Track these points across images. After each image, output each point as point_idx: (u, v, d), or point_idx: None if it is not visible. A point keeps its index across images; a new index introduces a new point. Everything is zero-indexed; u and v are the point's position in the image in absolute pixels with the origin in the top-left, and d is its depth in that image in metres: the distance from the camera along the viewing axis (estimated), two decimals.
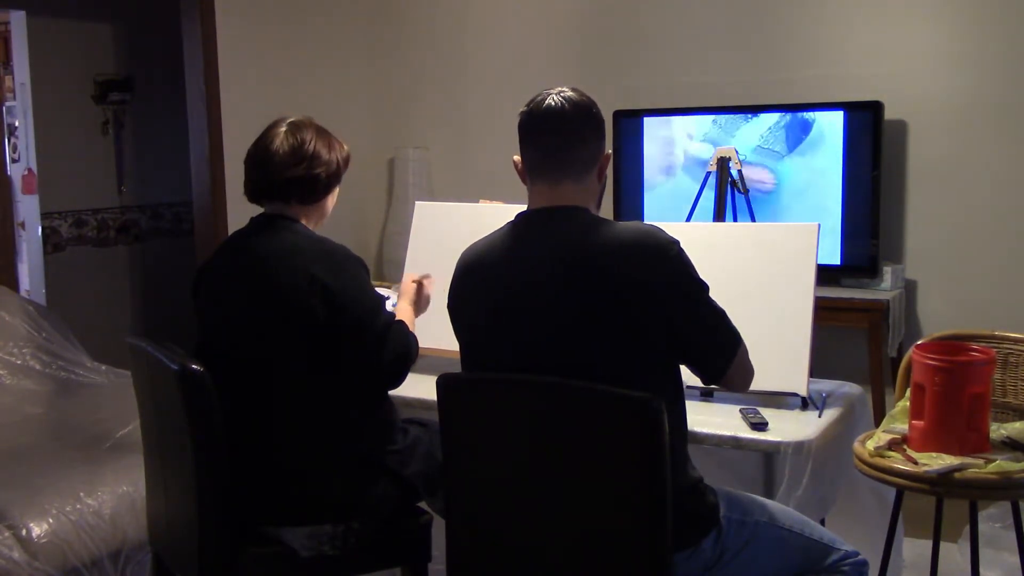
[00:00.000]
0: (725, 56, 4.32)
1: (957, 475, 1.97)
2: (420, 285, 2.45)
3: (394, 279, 3.67)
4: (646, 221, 1.92)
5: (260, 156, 2.16)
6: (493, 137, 4.77)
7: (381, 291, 2.29)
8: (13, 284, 4.93)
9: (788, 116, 3.98)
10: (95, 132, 5.44)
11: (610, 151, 1.88)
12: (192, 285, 2.25)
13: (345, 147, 2.26)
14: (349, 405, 2.11)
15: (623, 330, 1.70)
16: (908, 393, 2.20)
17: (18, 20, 5.14)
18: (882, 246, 3.93)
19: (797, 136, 3.98)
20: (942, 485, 1.99)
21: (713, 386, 1.91)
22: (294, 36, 4.82)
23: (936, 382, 2.04)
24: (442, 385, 1.79)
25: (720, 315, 1.81)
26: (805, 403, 2.28)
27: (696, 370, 1.85)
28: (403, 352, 2.14)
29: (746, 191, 3.85)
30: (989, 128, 3.85)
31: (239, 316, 2.11)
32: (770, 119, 4.02)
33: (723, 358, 1.82)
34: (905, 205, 4.02)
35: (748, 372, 1.91)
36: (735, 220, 3.85)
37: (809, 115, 3.95)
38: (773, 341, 2.29)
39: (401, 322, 2.20)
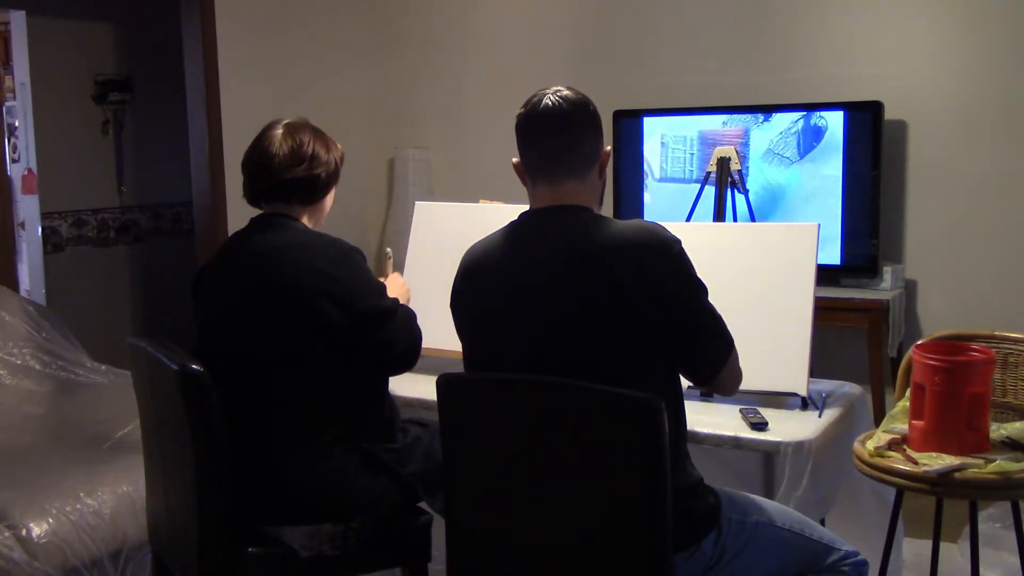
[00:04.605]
0: (725, 56, 4.32)
1: (957, 475, 1.97)
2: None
3: None
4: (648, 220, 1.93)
5: (259, 159, 2.17)
6: (493, 137, 4.77)
7: None
8: (13, 284, 4.92)
9: (801, 122, 3.97)
10: (95, 132, 5.44)
11: (609, 147, 1.89)
12: (192, 286, 2.25)
13: (339, 146, 2.27)
14: (349, 404, 2.12)
15: (625, 329, 1.70)
16: (908, 393, 2.20)
17: (18, 20, 5.14)
18: (882, 246, 3.93)
19: (809, 143, 3.97)
20: (942, 485, 1.99)
21: (701, 388, 1.91)
22: (294, 36, 4.83)
23: (936, 382, 2.04)
24: (442, 385, 1.79)
25: (715, 318, 1.81)
26: (805, 403, 2.28)
27: (687, 371, 1.84)
28: (414, 332, 2.19)
29: (746, 191, 3.85)
30: (989, 128, 3.85)
31: (241, 312, 2.11)
32: (781, 124, 4.01)
33: (715, 361, 1.82)
34: (905, 205, 4.02)
35: (737, 377, 1.91)
36: (735, 220, 3.85)
37: (821, 121, 3.94)
38: (773, 341, 2.29)
39: (406, 306, 2.22)
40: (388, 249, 2.80)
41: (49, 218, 5.29)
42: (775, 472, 2.17)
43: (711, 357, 1.82)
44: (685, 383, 1.85)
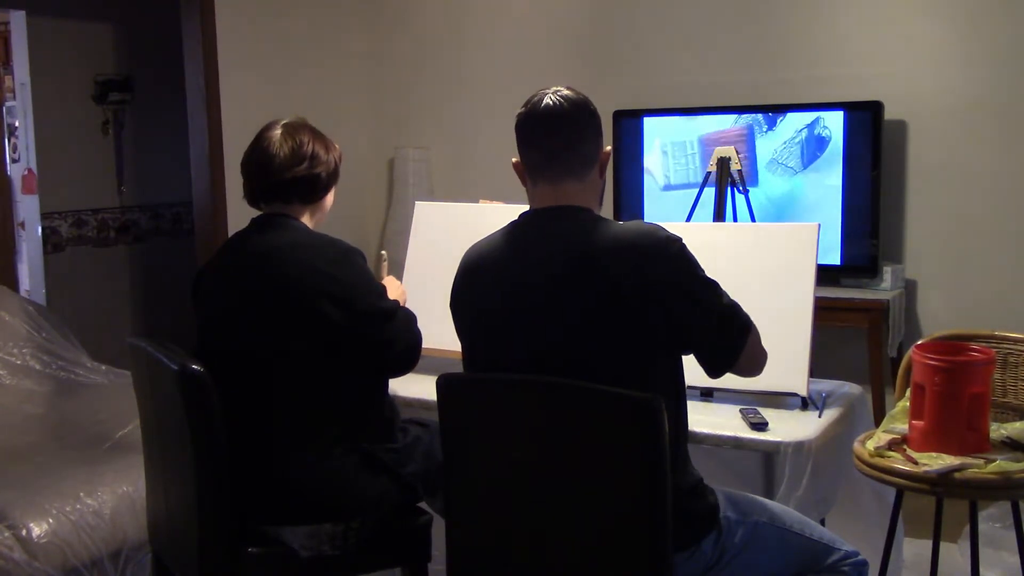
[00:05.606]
0: (725, 56, 4.32)
1: (957, 475, 1.97)
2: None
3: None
4: (647, 221, 1.92)
5: (259, 160, 2.17)
6: (493, 137, 4.76)
7: None
8: (13, 284, 4.93)
9: (805, 131, 3.96)
10: (95, 132, 5.44)
11: (609, 147, 1.89)
12: (192, 286, 2.25)
13: (337, 147, 2.28)
14: (349, 404, 2.12)
15: (624, 329, 1.70)
16: (908, 393, 2.20)
17: (18, 20, 5.14)
18: (882, 246, 3.93)
19: (812, 153, 3.97)
20: (942, 485, 1.99)
21: (718, 379, 1.89)
22: (294, 36, 4.83)
23: (936, 382, 2.04)
24: (442, 385, 1.79)
25: (722, 311, 1.78)
26: (805, 403, 2.28)
27: (703, 364, 1.83)
28: (414, 333, 2.19)
29: (746, 191, 3.84)
30: (989, 128, 3.85)
31: (241, 312, 2.11)
32: (785, 133, 4.00)
33: (730, 351, 1.80)
34: (905, 205, 4.02)
35: (759, 360, 1.88)
36: (735, 220, 3.85)
37: (825, 131, 3.93)
38: (773, 341, 2.27)
39: (405, 307, 2.23)
40: (384, 252, 2.80)
41: (49, 218, 5.29)
42: (775, 472, 2.17)
43: (723, 351, 1.80)
44: (687, 381, 1.85)
